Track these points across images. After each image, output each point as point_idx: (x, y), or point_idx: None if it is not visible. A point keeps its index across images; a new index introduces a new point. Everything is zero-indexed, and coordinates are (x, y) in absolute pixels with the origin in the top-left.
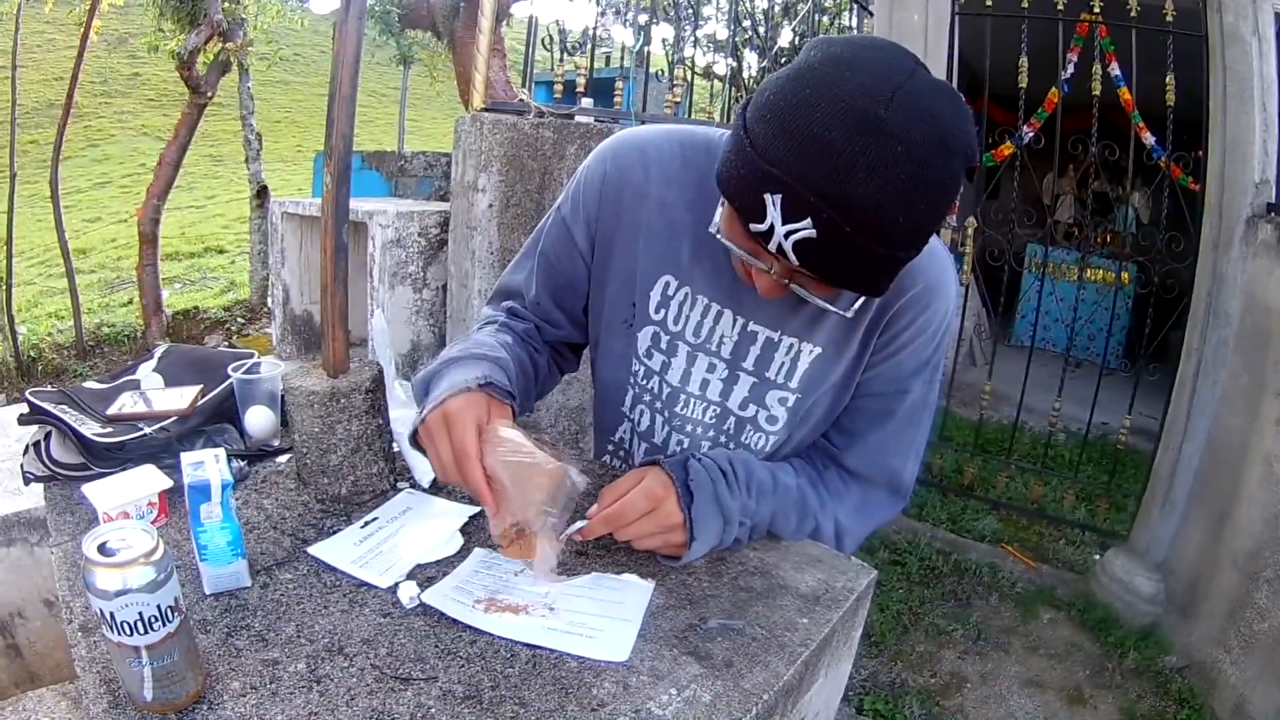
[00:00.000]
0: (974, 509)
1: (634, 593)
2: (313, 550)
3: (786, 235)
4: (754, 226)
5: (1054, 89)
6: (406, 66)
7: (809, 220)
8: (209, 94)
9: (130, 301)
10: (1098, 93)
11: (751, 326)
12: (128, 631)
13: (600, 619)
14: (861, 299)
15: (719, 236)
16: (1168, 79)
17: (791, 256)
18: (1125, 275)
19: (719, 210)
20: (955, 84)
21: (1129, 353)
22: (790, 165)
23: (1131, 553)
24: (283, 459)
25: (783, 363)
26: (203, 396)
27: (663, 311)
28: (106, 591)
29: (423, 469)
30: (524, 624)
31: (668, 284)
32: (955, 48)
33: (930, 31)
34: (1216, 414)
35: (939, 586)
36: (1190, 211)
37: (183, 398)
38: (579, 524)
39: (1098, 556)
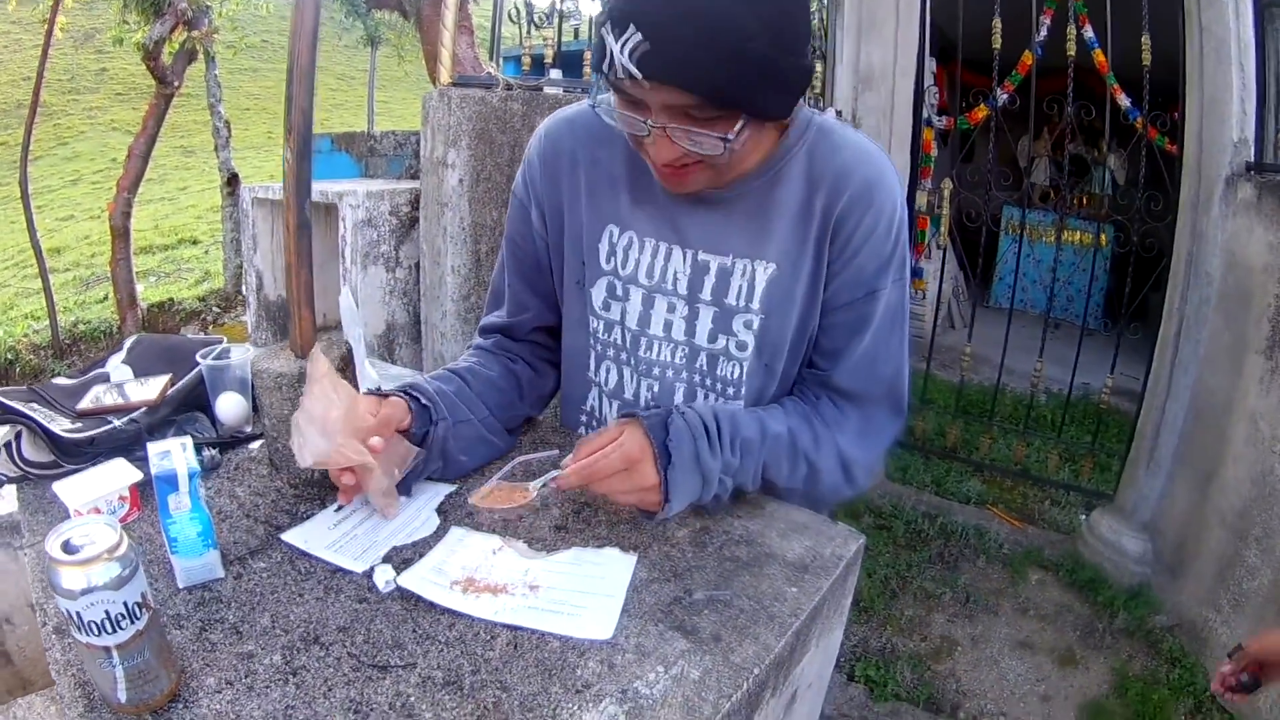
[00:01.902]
0: (958, 471)
1: (616, 567)
2: (286, 537)
3: (622, 50)
4: (606, 70)
5: (1027, 51)
6: (374, 47)
7: (632, 28)
8: (176, 84)
9: (106, 298)
10: (1073, 54)
11: (701, 256)
12: (95, 631)
13: (582, 595)
14: (742, 126)
15: (613, 122)
16: (1143, 40)
17: (635, 71)
18: (1104, 237)
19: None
20: (928, 48)
21: (1109, 313)
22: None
23: (1118, 513)
24: (255, 445)
25: (740, 286)
26: (171, 385)
27: (612, 260)
28: (72, 591)
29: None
30: (504, 604)
31: (612, 232)
32: (928, 11)
33: None
34: (1199, 373)
35: (926, 550)
36: (1168, 172)
37: (151, 388)
38: (553, 473)
39: (1084, 517)
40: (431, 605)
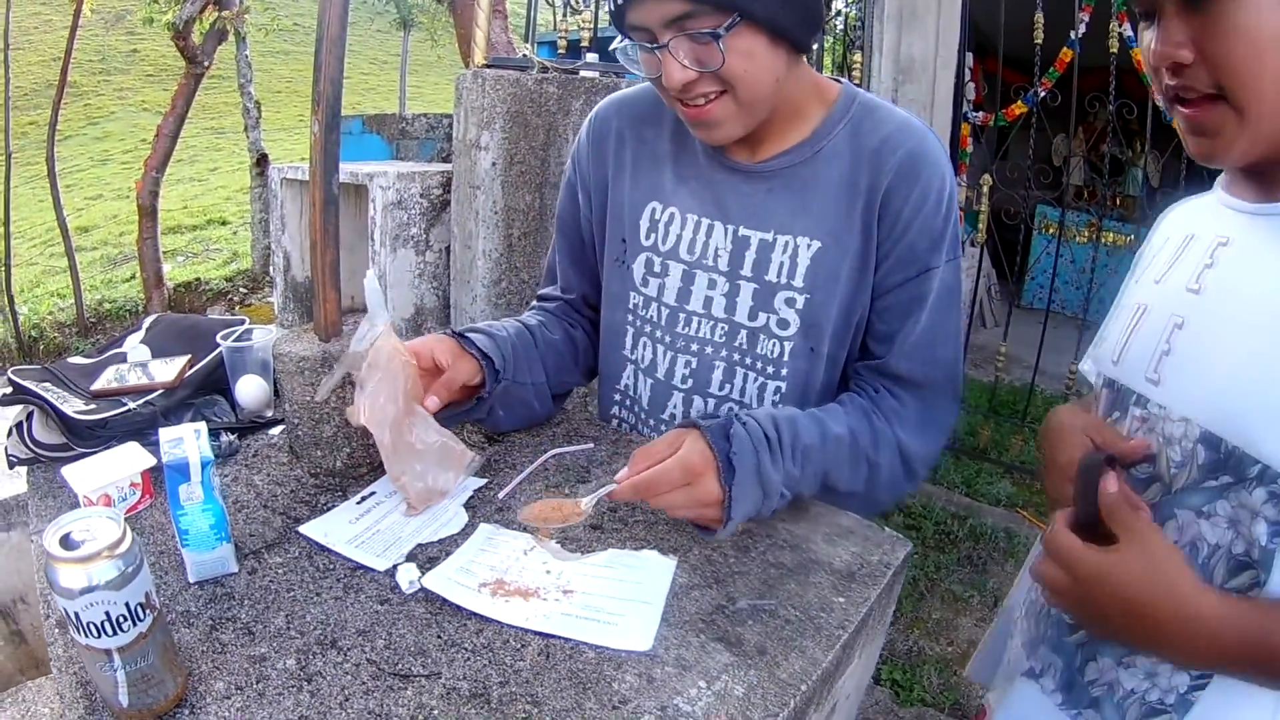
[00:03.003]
0: (988, 473)
1: (655, 572)
2: (305, 530)
3: None
4: (613, 10)
5: (1066, 48)
6: (407, 30)
7: None
8: (206, 63)
9: (132, 277)
10: (1115, 50)
11: (743, 231)
12: (95, 633)
13: (619, 602)
14: (732, 23)
15: (645, 77)
16: None
17: None
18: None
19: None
20: (968, 43)
21: None
22: None
23: None
24: (275, 431)
25: (781, 262)
26: (190, 367)
27: (652, 236)
28: (70, 590)
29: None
30: (535, 609)
31: (654, 209)
32: (968, 6)
33: None
34: None
35: (954, 552)
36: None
37: (169, 369)
38: (607, 488)
39: None
40: (458, 609)
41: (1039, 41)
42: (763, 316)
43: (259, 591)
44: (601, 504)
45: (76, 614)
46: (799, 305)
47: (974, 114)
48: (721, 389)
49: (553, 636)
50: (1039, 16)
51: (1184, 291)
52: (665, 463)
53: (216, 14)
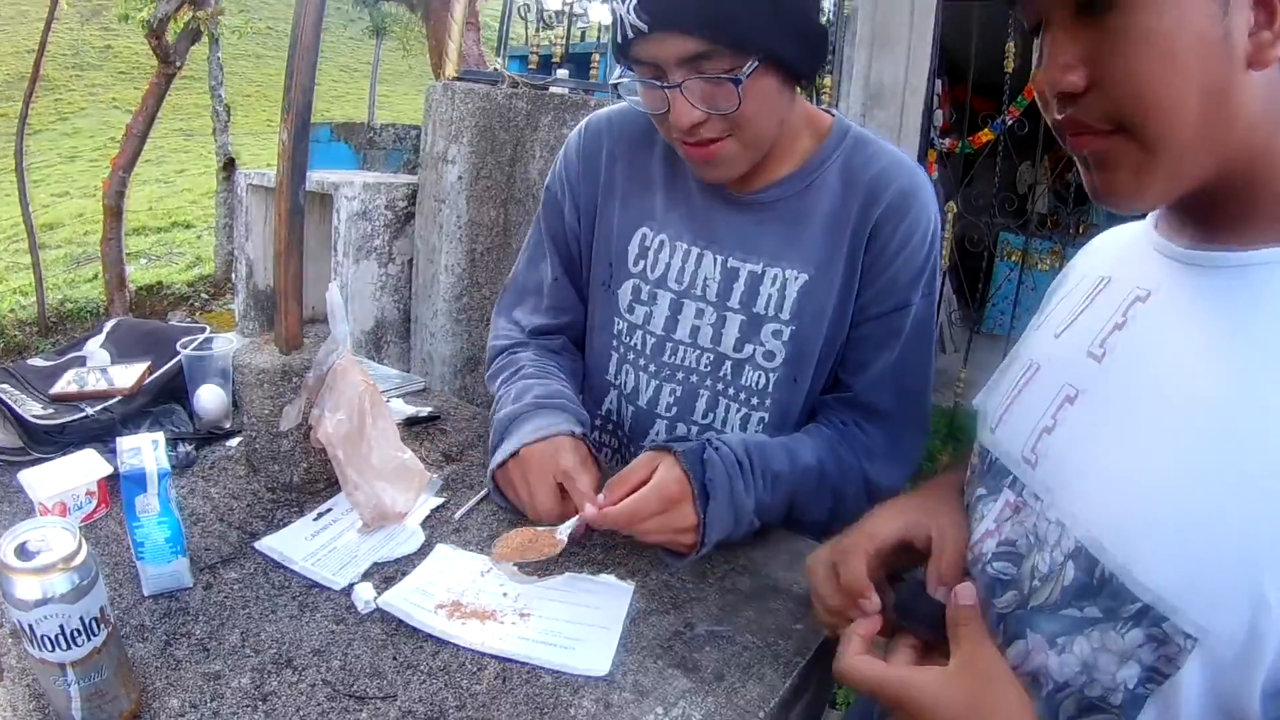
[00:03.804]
0: None
1: (613, 596)
2: (261, 545)
3: (628, 9)
4: (620, 42)
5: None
6: (379, 38)
7: None
8: (178, 63)
9: (95, 277)
10: None
11: (732, 262)
12: (49, 646)
13: (577, 626)
14: (753, 68)
15: (646, 111)
16: None
17: (640, 23)
18: None
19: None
20: (937, 69)
21: None
22: None
23: None
24: (233, 443)
25: (770, 294)
26: (150, 374)
27: (641, 263)
28: (25, 601)
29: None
30: (493, 632)
31: (644, 235)
32: (939, 33)
33: (917, 11)
34: None
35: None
36: None
37: (129, 375)
38: (578, 519)
39: None
40: (414, 630)
41: (1009, 70)
42: (749, 348)
43: (214, 607)
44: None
45: (31, 626)
46: (785, 337)
47: (940, 140)
48: (705, 418)
49: (510, 659)
50: (1010, 45)
51: (1084, 356)
52: (643, 491)
53: (191, 13)
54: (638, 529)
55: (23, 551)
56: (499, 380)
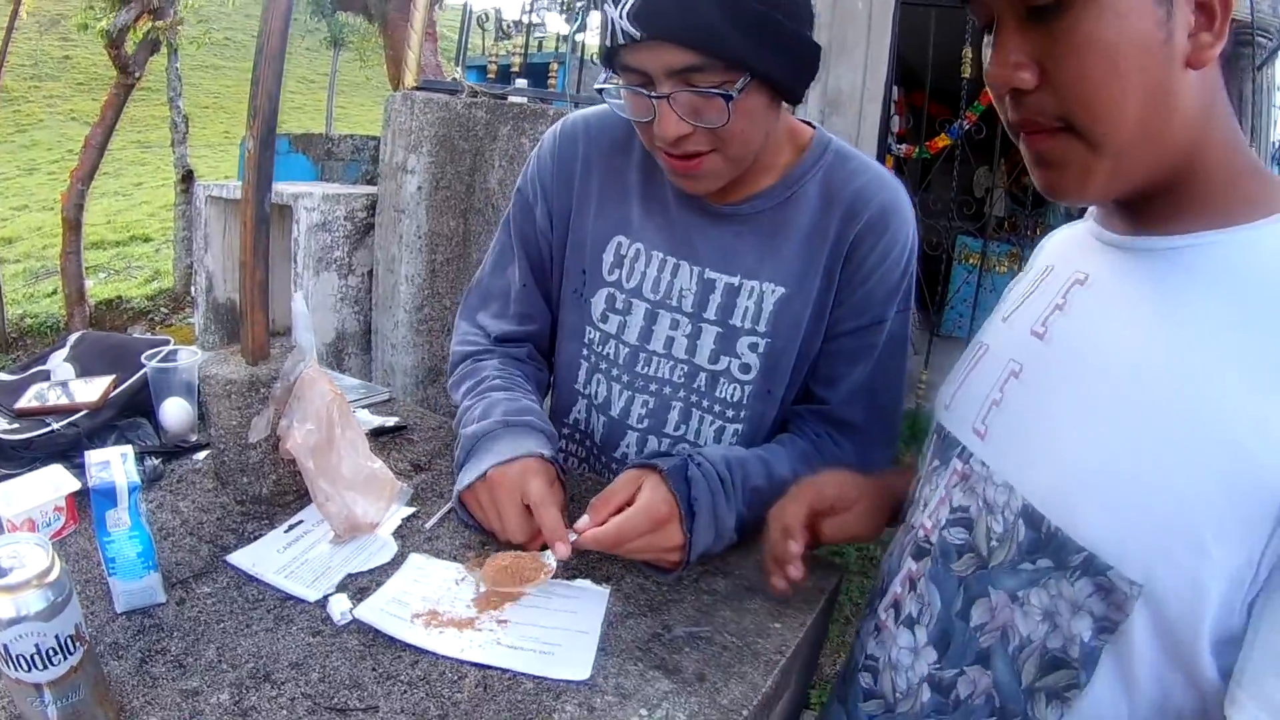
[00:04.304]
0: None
1: (590, 601)
2: (233, 559)
3: (621, 13)
4: (610, 45)
5: None
6: (337, 49)
7: None
8: (137, 74)
9: (55, 291)
10: None
11: (709, 274)
12: (25, 666)
13: (555, 632)
14: (744, 85)
15: (629, 118)
16: None
17: (632, 30)
18: None
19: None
20: (894, 76)
21: None
22: None
23: None
24: (201, 456)
25: (746, 307)
26: (115, 388)
27: (617, 272)
28: None
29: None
30: (471, 640)
31: (620, 244)
32: (896, 40)
33: (874, 18)
34: None
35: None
36: None
37: (94, 389)
38: (569, 536)
39: None
40: (392, 640)
41: (966, 75)
42: (724, 360)
43: (189, 623)
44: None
45: (5, 646)
46: (761, 350)
47: (898, 146)
48: (678, 430)
49: (490, 667)
50: (967, 50)
51: (1028, 335)
52: (630, 513)
53: (151, 23)
54: (624, 549)
55: None
56: (463, 389)
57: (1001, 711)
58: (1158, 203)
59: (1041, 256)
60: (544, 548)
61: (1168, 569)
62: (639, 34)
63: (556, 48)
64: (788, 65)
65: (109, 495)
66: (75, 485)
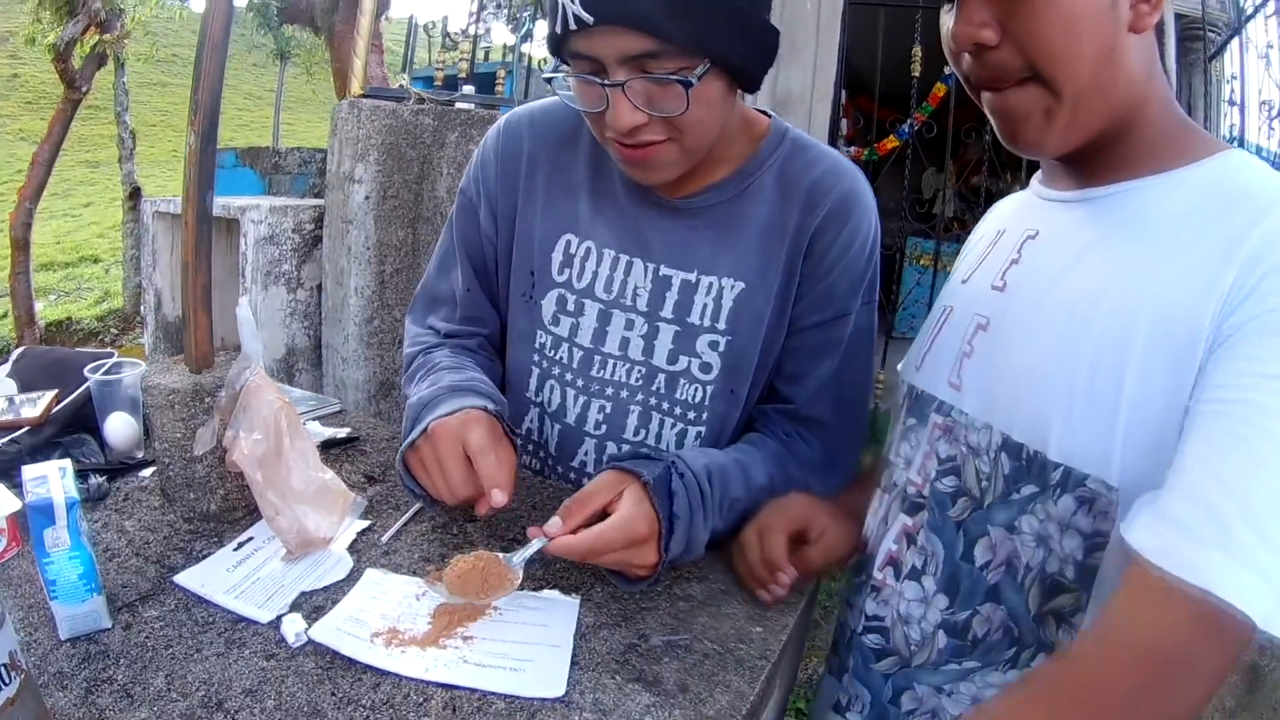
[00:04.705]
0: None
1: (559, 612)
2: (180, 580)
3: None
4: (560, 31)
5: (940, 83)
6: (283, 63)
7: None
8: (84, 88)
9: (4, 315)
10: None
11: (664, 270)
12: None
13: (525, 647)
14: (704, 71)
15: (578, 108)
16: None
17: (584, 14)
18: None
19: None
20: (842, 78)
21: None
22: None
23: None
24: (146, 473)
25: (705, 304)
26: (58, 403)
27: (566, 271)
28: None
29: None
30: (435, 659)
31: (569, 242)
32: (845, 42)
33: (823, 19)
34: None
35: (843, 576)
36: None
37: (35, 405)
38: (536, 544)
39: None
40: (351, 662)
41: (916, 75)
42: (684, 360)
43: (136, 649)
44: (485, 534)
45: None
46: (721, 348)
47: (846, 149)
48: (637, 434)
49: (457, 688)
50: (916, 50)
51: (989, 290)
52: (608, 527)
53: (98, 36)
54: (598, 561)
55: None
56: (414, 380)
57: (1020, 641)
58: (1102, 157)
59: (990, 222)
60: (505, 550)
61: (1138, 465)
62: (590, 18)
63: (504, 57)
64: (747, 50)
65: (46, 512)
66: (17, 505)
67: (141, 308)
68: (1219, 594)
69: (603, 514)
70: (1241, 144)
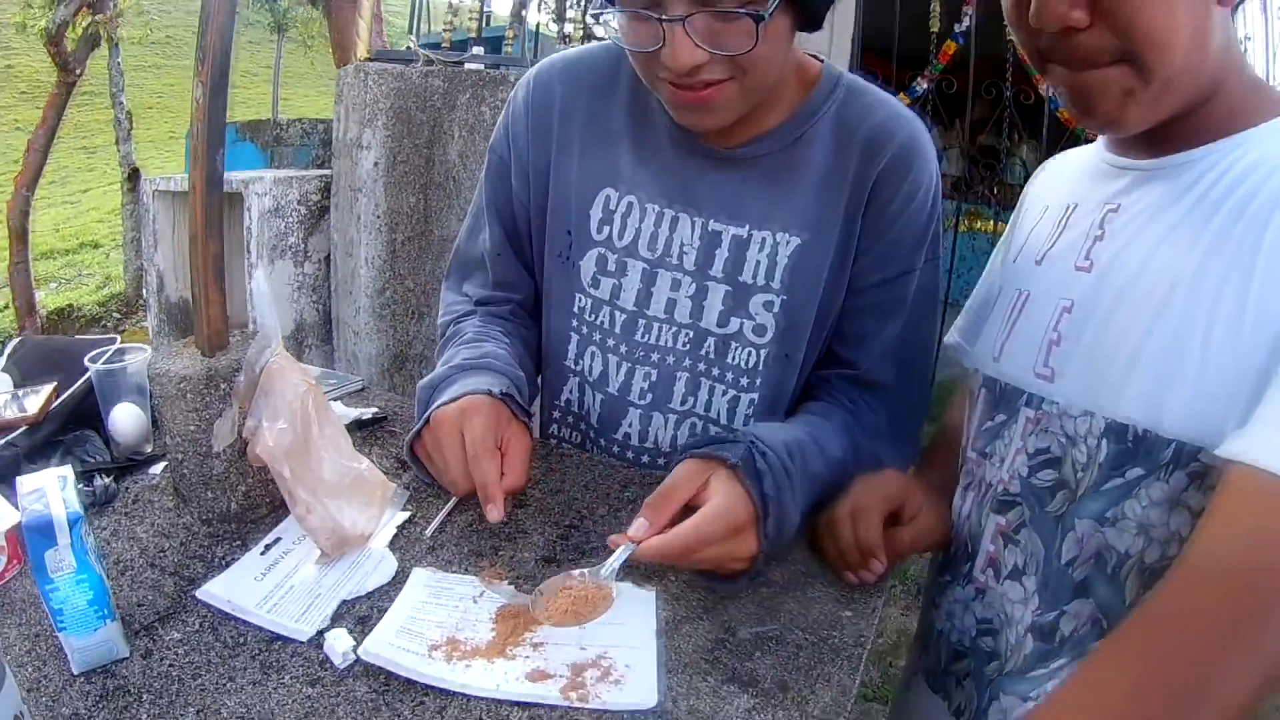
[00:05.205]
0: None
1: (636, 608)
2: (203, 594)
3: None
4: None
5: (949, 41)
6: (281, 35)
7: None
8: (78, 71)
9: (4, 306)
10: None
11: (713, 225)
12: None
13: (606, 650)
14: (775, 5)
15: (627, 48)
16: None
17: None
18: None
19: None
20: (861, 42)
21: None
22: None
23: None
24: (157, 470)
25: (758, 261)
26: (57, 397)
27: (606, 229)
28: None
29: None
30: (505, 672)
31: (609, 198)
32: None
33: None
34: None
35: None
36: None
37: (32, 401)
38: (622, 554)
39: None
40: (409, 682)
41: (935, 30)
42: (735, 322)
43: (159, 680)
44: (541, 523)
45: None
46: (776, 309)
47: None
48: (685, 403)
49: (536, 704)
50: (935, 4)
51: (1072, 271)
52: (704, 517)
53: (90, 18)
54: (693, 559)
55: None
56: (441, 353)
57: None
58: (1179, 127)
59: (1046, 190)
60: (596, 565)
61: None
62: None
63: (510, 24)
64: None
65: (45, 531)
66: (16, 517)
67: (144, 290)
68: None
69: (687, 510)
70: None
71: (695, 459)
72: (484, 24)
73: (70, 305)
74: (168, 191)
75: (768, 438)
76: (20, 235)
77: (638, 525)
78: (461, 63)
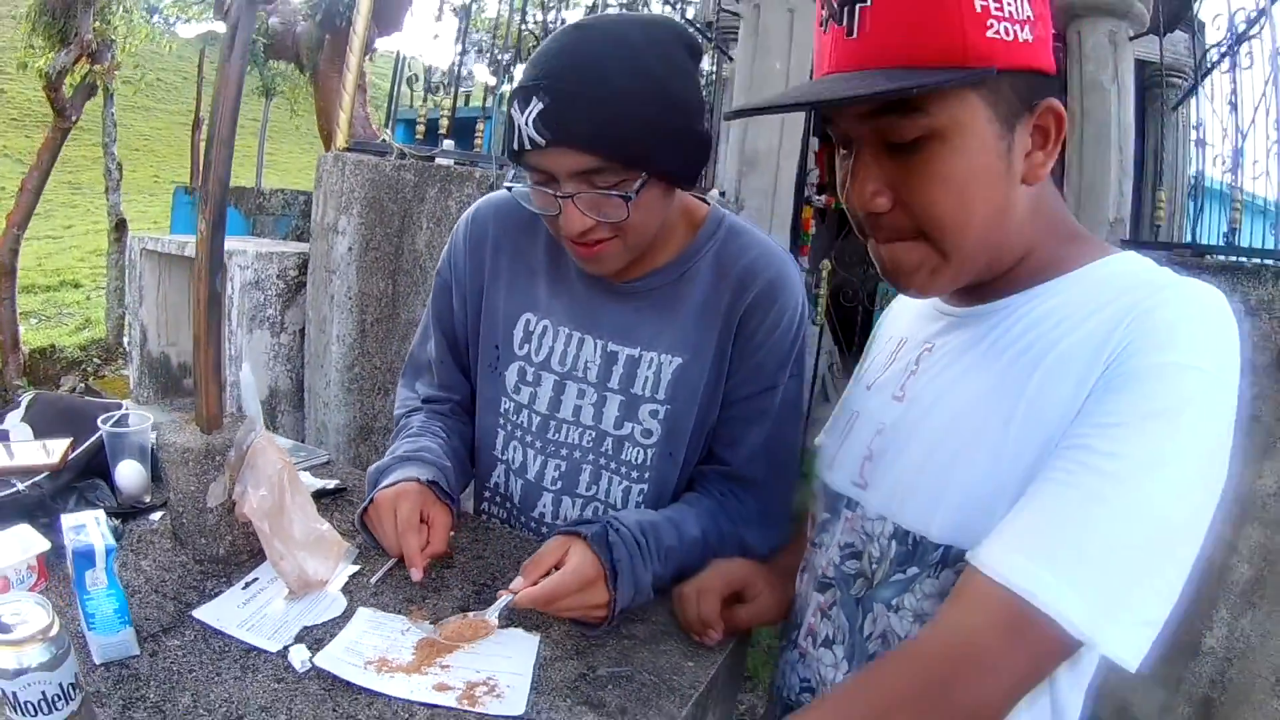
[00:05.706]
0: None
1: (522, 646)
2: (197, 614)
3: (526, 120)
4: (516, 148)
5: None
6: (268, 98)
7: (534, 98)
8: (74, 117)
9: None
10: None
11: (611, 347)
12: (32, 711)
13: (493, 674)
14: (642, 184)
15: (531, 208)
16: None
17: (537, 136)
18: None
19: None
20: (813, 130)
21: None
22: (522, 77)
23: None
24: (155, 516)
25: (646, 377)
26: (73, 450)
27: (526, 346)
28: (5, 670)
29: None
30: (418, 683)
31: (528, 320)
32: None
33: (791, 80)
34: None
35: (791, 615)
36: None
37: (53, 451)
38: (507, 599)
39: None
40: (349, 685)
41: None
42: (628, 426)
43: (162, 673)
44: (461, 581)
45: (14, 694)
46: (661, 416)
47: (817, 197)
48: (589, 490)
49: (436, 706)
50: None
51: (890, 399)
52: (561, 574)
53: (89, 67)
54: (555, 607)
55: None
56: (392, 441)
57: None
58: (987, 282)
59: (889, 326)
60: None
61: None
62: (544, 140)
63: (484, 102)
64: (681, 160)
65: (88, 556)
66: (45, 545)
67: (125, 340)
68: (1039, 599)
69: (556, 569)
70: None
71: (561, 534)
72: (457, 106)
73: (52, 345)
74: (155, 251)
75: (624, 518)
76: (9, 272)
77: (516, 581)
78: (432, 157)
